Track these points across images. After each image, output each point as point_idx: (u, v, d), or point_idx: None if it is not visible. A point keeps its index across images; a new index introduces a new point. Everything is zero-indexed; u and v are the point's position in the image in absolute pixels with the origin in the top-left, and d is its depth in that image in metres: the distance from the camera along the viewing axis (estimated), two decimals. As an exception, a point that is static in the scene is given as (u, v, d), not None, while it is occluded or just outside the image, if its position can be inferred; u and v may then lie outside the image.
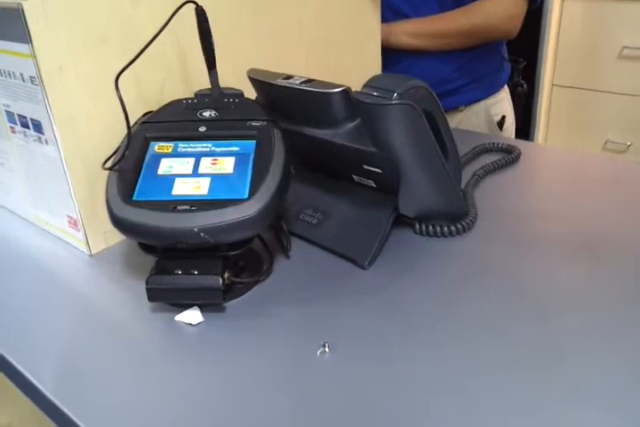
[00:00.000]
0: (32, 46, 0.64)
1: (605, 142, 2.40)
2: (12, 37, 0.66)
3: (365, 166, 0.69)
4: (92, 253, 0.74)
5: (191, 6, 0.67)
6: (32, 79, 0.67)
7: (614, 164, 0.93)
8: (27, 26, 0.63)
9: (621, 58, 2.28)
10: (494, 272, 0.65)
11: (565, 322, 0.57)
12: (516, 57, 1.35)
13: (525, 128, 2.45)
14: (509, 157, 0.91)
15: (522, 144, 0.97)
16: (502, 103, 1.29)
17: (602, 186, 0.84)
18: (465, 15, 1.14)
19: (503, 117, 1.28)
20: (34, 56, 0.64)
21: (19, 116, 0.73)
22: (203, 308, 0.61)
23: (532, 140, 2.48)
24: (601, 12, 2.28)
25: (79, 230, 0.73)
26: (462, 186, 0.80)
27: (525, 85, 1.42)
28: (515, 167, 0.91)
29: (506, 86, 1.32)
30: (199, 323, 0.59)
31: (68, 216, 0.74)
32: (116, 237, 0.73)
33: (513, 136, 1.34)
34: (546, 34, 2.34)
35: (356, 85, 0.65)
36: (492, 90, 1.27)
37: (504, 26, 1.16)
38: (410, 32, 1.15)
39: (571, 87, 2.44)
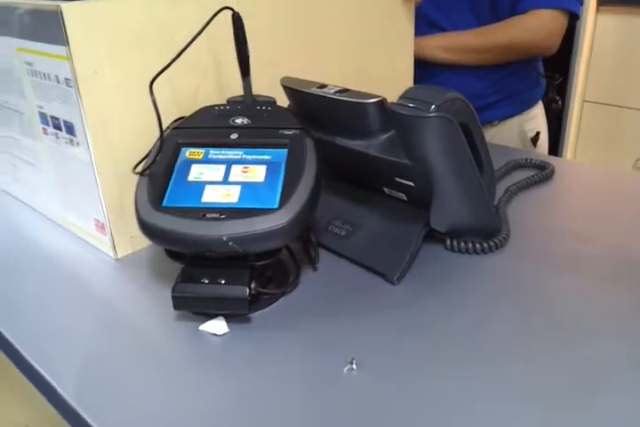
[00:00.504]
0: (69, 48, 0.64)
1: (636, 161, 2.36)
2: (49, 39, 0.66)
3: (398, 179, 0.68)
4: (119, 257, 0.73)
5: (228, 12, 0.67)
6: (67, 81, 0.67)
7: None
8: (65, 28, 0.63)
9: (655, 75, 2.25)
10: (526, 292, 0.64)
11: (598, 350, 0.54)
12: (552, 72, 1.33)
13: (555, 144, 2.42)
14: (543, 173, 0.89)
15: (555, 160, 0.95)
16: (537, 119, 1.28)
17: (637, 204, 0.81)
18: (504, 30, 1.13)
19: (537, 133, 1.26)
20: (70, 58, 0.64)
21: (51, 117, 0.73)
22: (228, 318, 0.60)
23: (560, 156, 2.45)
24: (635, 27, 2.25)
25: (106, 234, 0.72)
26: (495, 202, 0.78)
27: (560, 102, 1.40)
28: (548, 184, 0.89)
29: (540, 102, 1.30)
30: (224, 333, 0.58)
31: (95, 219, 0.73)
32: (143, 242, 0.72)
33: (546, 152, 1.32)
34: (578, 49, 2.31)
35: (388, 97, 0.64)
36: (527, 105, 1.25)
37: (543, 42, 1.14)
38: (445, 46, 1.14)
39: (602, 104, 2.40)
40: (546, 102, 1.32)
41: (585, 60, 2.36)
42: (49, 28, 0.65)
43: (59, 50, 0.65)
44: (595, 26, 2.33)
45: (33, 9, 0.67)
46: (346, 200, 0.75)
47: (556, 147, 2.44)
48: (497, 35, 1.13)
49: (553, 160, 0.95)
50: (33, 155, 0.81)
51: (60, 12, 0.62)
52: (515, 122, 1.24)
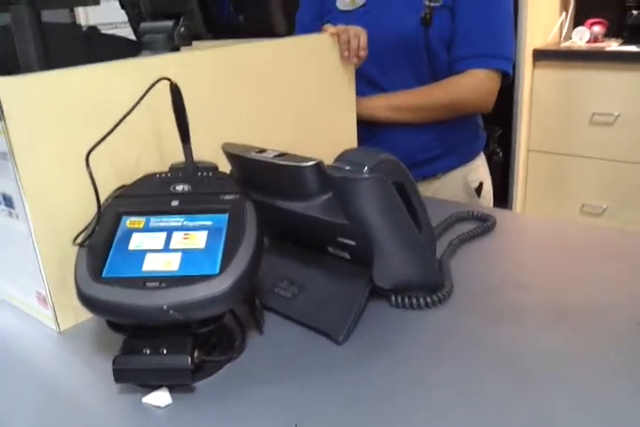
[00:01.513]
0: (5, 124, 0.64)
1: (582, 206, 2.43)
2: (-14, 114, 0.67)
3: (339, 238, 0.69)
4: (61, 329, 0.72)
5: (166, 82, 0.69)
6: (3, 155, 0.67)
7: (589, 231, 0.94)
8: (0, 104, 0.63)
9: (593, 123, 2.35)
10: (470, 343, 0.64)
11: (542, 393, 0.55)
12: (492, 125, 1.38)
13: (503, 194, 2.49)
14: (485, 225, 0.91)
15: (497, 212, 0.98)
16: (479, 170, 1.32)
17: (577, 255, 0.84)
18: (442, 90, 1.18)
19: (480, 184, 1.30)
20: (6, 133, 0.65)
21: (-9, 190, 0.73)
22: (172, 388, 0.59)
23: (510, 205, 2.51)
24: (570, 80, 2.37)
25: (48, 307, 0.71)
26: (438, 255, 0.80)
27: (501, 153, 1.45)
28: (490, 236, 0.91)
29: (482, 153, 1.34)
30: (167, 405, 0.57)
31: (37, 292, 0.72)
32: (86, 313, 0.71)
33: (491, 202, 1.36)
34: (519, 102, 2.41)
35: (332, 157, 0.66)
36: (468, 157, 1.30)
37: (480, 100, 1.20)
38: (388, 106, 1.18)
39: (546, 152, 2.49)
40: (487, 154, 1.37)
41: (526, 112, 2.46)
42: (-15, 102, 0.66)
43: (-4, 124, 0.66)
44: (532, 80, 2.44)
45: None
46: (290, 260, 0.76)
47: (505, 197, 2.50)
48: (436, 94, 1.18)
49: (495, 212, 0.97)
50: (-27, 228, 0.80)
51: (-4, 88, 0.63)
52: (458, 173, 1.28)
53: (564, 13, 2.63)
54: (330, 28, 1.04)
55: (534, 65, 2.42)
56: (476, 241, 0.89)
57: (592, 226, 1.01)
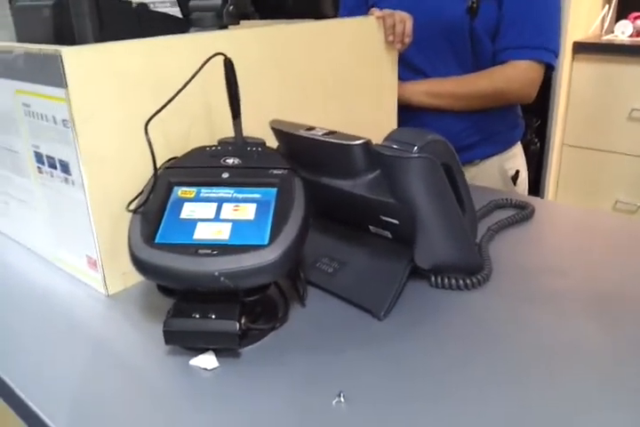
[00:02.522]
0: (67, 91, 0.66)
1: (615, 202, 2.41)
2: (49, 82, 0.69)
3: (383, 217, 0.70)
4: (110, 293, 0.74)
5: (220, 57, 0.70)
6: (64, 122, 0.69)
7: (626, 222, 0.94)
8: (64, 72, 0.66)
9: (631, 119, 2.32)
10: (507, 327, 0.65)
11: (577, 380, 0.56)
12: (530, 116, 1.38)
13: (536, 186, 2.47)
14: (523, 213, 0.92)
15: (535, 201, 0.98)
16: (516, 158, 1.32)
17: (613, 244, 0.84)
18: (486, 79, 1.18)
19: (517, 172, 1.31)
20: (68, 100, 0.67)
21: (47, 157, 0.75)
22: (218, 353, 0.61)
23: (541, 197, 2.50)
24: (610, 75, 2.34)
25: (98, 271, 0.74)
26: (477, 240, 0.80)
27: (538, 144, 1.45)
28: (528, 223, 0.92)
29: (519, 143, 1.35)
30: (214, 368, 0.59)
31: (87, 256, 0.75)
32: (134, 278, 0.74)
33: (526, 190, 1.36)
34: (556, 94, 2.39)
35: (373, 138, 0.67)
36: (506, 146, 1.30)
37: (523, 91, 1.20)
38: (430, 92, 1.19)
39: (581, 147, 2.47)
40: (525, 144, 1.37)
41: (563, 106, 2.44)
42: (48, 71, 0.68)
43: (57, 92, 0.68)
44: (571, 73, 2.42)
45: (33, 53, 0.69)
46: (333, 238, 0.77)
47: (537, 189, 2.49)
48: (479, 83, 1.19)
49: (533, 200, 0.98)
50: (25, 193, 0.83)
51: (60, 56, 0.65)
52: (495, 161, 1.29)
53: (607, 6, 2.60)
54: (376, 12, 1.05)
55: (574, 58, 2.40)
56: (514, 227, 0.89)
57: (628, 218, 1.01)
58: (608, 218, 0.98)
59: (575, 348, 0.61)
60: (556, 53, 1.19)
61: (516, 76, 1.18)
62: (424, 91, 1.19)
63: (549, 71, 1.21)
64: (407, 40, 1.07)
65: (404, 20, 1.06)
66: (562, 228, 0.94)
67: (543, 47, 1.17)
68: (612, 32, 2.50)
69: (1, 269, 0.83)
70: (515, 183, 1.30)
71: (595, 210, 1.02)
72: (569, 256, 0.82)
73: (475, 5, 1.15)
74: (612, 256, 0.81)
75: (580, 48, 2.37)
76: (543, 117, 2.39)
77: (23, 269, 0.83)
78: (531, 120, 1.41)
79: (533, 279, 0.75)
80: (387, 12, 1.05)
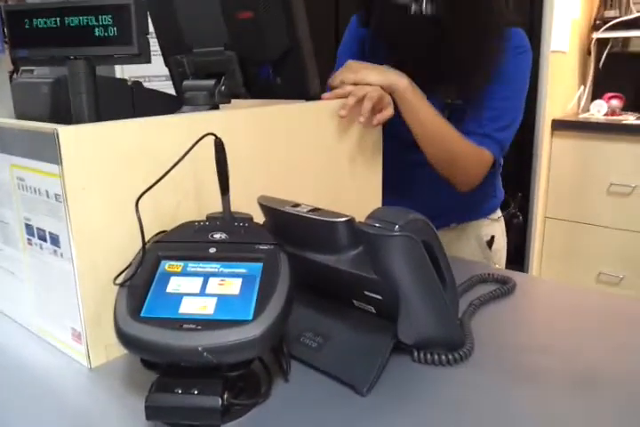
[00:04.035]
0: (61, 167, 0.69)
1: (599, 274, 2.44)
2: (44, 158, 0.71)
3: (366, 292, 0.71)
4: (92, 366, 0.74)
5: (210, 137, 0.73)
6: (57, 197, 0.71)
7: (608, 299, 0.96)
8: (59, 149, 0.68)
9: (609, 193, 2.39)
10: (488, 404, 0.66)
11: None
12: (513, 190, 1.43)
13: (520, 258, 2.51)
14: (505, 287, 0.94)
15: (517, 275, 1.00)
16: (492, 226, 1.36)
17: (595, 321, 0.86)
18: (468, 146, 1.16)
19: (492, 237, 1.34)
20: (62, 176, 0.69)
21: (37, 229, 0.77)
22: (199, 429, 0.61)
23: (526, 270, 2.52)
24: (588, 151, 2.43)
25: (82, 343, 0.74)
26: (459, 315, 0.82)
27: (521, 217, 1.48)
28: (510, 298, 0.93)
29: (498, 211, 1.39)
30: (195, 445, 0.59)
31: (72, 329, 0.75)
32: (118, 351, 0.74)
33: (504, 259, 1.40)
34: (537, 169, 2.46)
35: (358, 214, 0.69)
36: (483, 213, 1.35)
37: (474, 178, 1.20)
38: (432, 116, 1.13)
39: (563, 220, 2.53)
40: (507, 217, 1.41)
41: (544, 180, 2.51)
42: (44, 147, 0.71)
43: (51, 168, 0.70)
44: (550, 148, 2.51)
45: (30, 130, 0.72)
46: (317, 312, 0.78)
47: (522, 261, 2.52)
48: (464, 144, 1.16)
49: (515, 275, 1.00)
50: (14, 263, 0.84)
51: (57, 134, 0.68)
52: (471, 226, 1.33)
53: (582, 86, 2.72)
54: (338, 91, 1.03)
55: (553, 134, 2.49)
56: (495, 303, 0.91)
57: (610, 294, 1.03)
58: (590, 294, 0.99)
59: (558, 426, 0.61)
60: (502, 146, 1.19)
61: (484, 162, 1.18)
62: (431, 111, 1.13)
63: (495, 165, 1.21)
64: (380, 117, 1.03)
65: (373, 97, 1.00)
66: (543, 303, 0.96)
67: (495, 138, 1.17)
68: (589, 110, 2.62)
69: (-17, 340, 0.83)
70: (490, 248, 1.33)
71: (576, 286, 1.04)
72: (551, 333, 0.83)
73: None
74: (594, 334, 0.82)
75: (559, 125, 2.48)
76: (525, 191, 2.45)
77: (6, 339, 0.82)
78: (514, 194, 1.46)
79: (515, 356, 0.76)
80: (348, 89, 1.02)
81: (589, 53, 2.71)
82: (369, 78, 1.05)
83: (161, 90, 1.21)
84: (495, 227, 1.37)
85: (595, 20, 2.66)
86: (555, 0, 2.36)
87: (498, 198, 1.38)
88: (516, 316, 0.89)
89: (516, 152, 2.45)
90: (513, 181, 1.41)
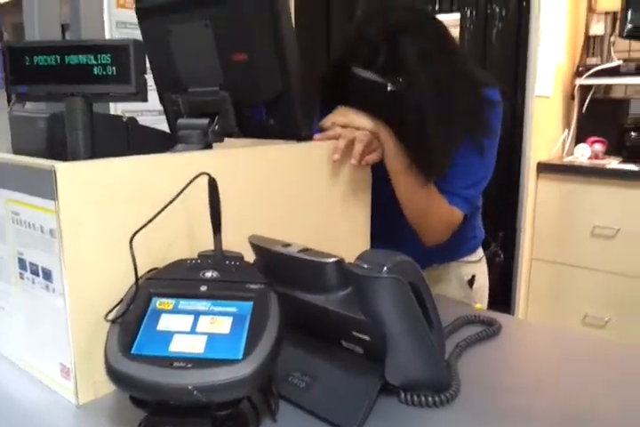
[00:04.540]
0: (57, 203, 0.70)
1: (584, 316, 2.45)
2: (40, 193, 0.73)
3: (354, 333, 0.72)
4: (80, 403, 0.74)
5: (204, 176, 0.75)
6: (51, 232, 0.72)
7: (592, 342, 0.97)
8: (56, 186, 0.70)
9: (594, 235, 2.42)
10: (476, 446, 0.66)
11: None
12: (495, 229, 1.46)
13: (506, 299, 2.52)
14: (490, 329, 0.95)
15: (502, 317, 1.01)
16: (473, 265, 1.39)
17: (580, 364, 0.87)
18: (442, 205, 1.17)
19: (473, 277, 1.37)
20: (57, 212, 0.70)
21: (30, 263, 0.77)
22: (186, 469, 0.61)
23: (512, 311, 2.53)
24: (572, 193, 2.47)
25: (70, 379, 0.74)
26: (446, 356, 0.83)
27: (502, 255, 1.51)
28: (496, 340, 0.94)
29: (479, 251, 1.41)
30: (181, 485, 0.59)
31: (61, 364, 0.75)
32: (106, 387, 0.74)
33: (485, 297, 1.43)
34: (523, 211, 2.50)
35: (347, 253, 0.71)
36: (464, 253, 1.38)
37: (442, 235, 1.20)
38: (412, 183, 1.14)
39: (549, 261, 2.55)
40: (490, 256, 1.45)
41: (530, 221, 2.55)
42: (41, 184, 0.72)
43: (47, 203, 0.71)
44: (536, 191, 2.55)
45: (28, 165, 0.74)
46: (305, 351, 0.79)
47: (507, 301, 2.53)
48: (437, 200, 1.17)
49: (500, 317, 1.01)
50: (4, 298, 0.84)
51: (54, 171, 0.69)
52: (452, 266, 1.36)
53: (566, 130, 2.79)
54: (329, 132, 1.06)
55: (538, 177, 2.54)
56: (481, 344, 0.92)
57: (595, 337, 1.04)
58: (575, 336, 1.01)
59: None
60: (471, 202, 1.20)
61: (453, 220, 1.19)
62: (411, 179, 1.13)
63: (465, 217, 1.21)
64: (369, 158, 1.06)
65: (362, 140, 1.03)
66: (528, 345, 0.97)
67: (458, 194, 1.18)
68: (573, 154, 2.67)
69: (-32, 374, 0.82)
70: (471, 287, 1.36)
71: (562, 328, 1.05)
72: (536, 374, 0.84)
73: None
74: (579, 376, 0.83)
75: (544, 168, 2.52)
76: (511, 232, 2.48)
77: (-9, 375, 0.82)
78: (496, 233, 1.49)
79: (502, 397, 0.77)
80: (338, 131, 1.04)
81: (573, 98, 2.78)
82: (358, 122, 1.08)
83: (153, 125, 1.23)
84: (476, 266, 1.40)
85: (578, 67, 2.74)
86: (539, 46, 2.43)
87: (478, 238, 1.41)
88: (502, 357, 0.90)
89: (502, 194, 2.49)
90: (497, 222, 1.43)
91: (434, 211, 1.18)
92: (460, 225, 1.21)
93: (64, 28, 1.68)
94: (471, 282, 1.37)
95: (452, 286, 1.34)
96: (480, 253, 1.42)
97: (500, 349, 0.92)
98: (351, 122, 1.09)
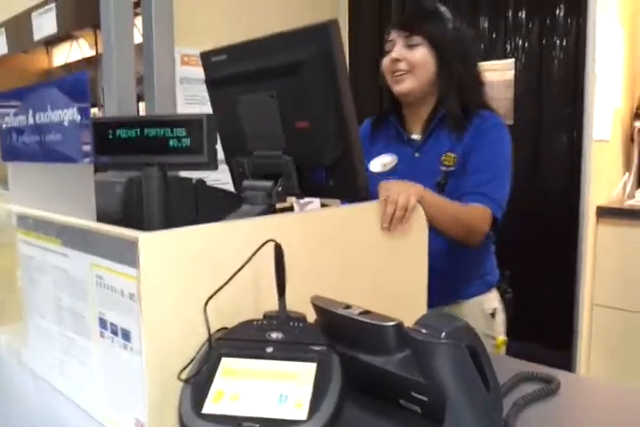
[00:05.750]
0: (139, 271, 0.76)
1: (650, 366, 2.38)
2: (123, 261, 0.79)
3: (413, 393, 0.75)
4: (152, 456, 0.79)
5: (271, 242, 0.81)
6: (131, 296, 0.78)
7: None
8: (138, 255, 0.76)
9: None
10: None
11: None
12: (503, 267, 1.59)
13: (567, 348, 2.47)
14: (549, 387, 0.96)
15: (560, 374, 1.02)
16: (493, 300, 1.55)
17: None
18: (467, 210, 1.34)
19: (494, 309, 1.54)
20: (138, 279, 0.77)
21: (110, 324, 0.84)
22: None
23: (573, 359, 2.48)
24: (635, 238, 2.43)
25: (144, 434, 0.79)
26: (504, 415, 0.84)
27: (511, 293, 1.62)
28: (555, 398, 0.95)
29: (495, 287, 1.57)
30: None
31: (135, 419, 0.80)
32: (177, 443, 0.79)
33: (503, 327, 1.55)
34: (583, 255, 2.47)
35: (406, 311, 0.75)
36: (484, 288, 1.54)
37: (482, 234, 1.38)
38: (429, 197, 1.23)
39: (611, 308, 2.50)
40: (500, 292, 1.58)
41: (590, 267, 2.51)
42: (124, 252, 0.79)
43: (129, 270, 0.78)
44: (596, 235, 2.51)
45: (114, 236, 0.81)
46: (362, 410, 0.82)
47: (569, 352, 2.48)
48: (466, 211, 1.34)
49: (559, 374, 1.01)
50: (85, 354, 0.91)
51: (137, 241, 0.76)
52: (475, 301, 1.52)
53: (627, 173, 2.76)
54: (383, 192, 1.13)
55: (598, 221, 2.51)
56: (540, 402, 0.93)
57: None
58: (636, 395, 1.00)
59: None
60: (499, 203, 1.36)
61: (485, 218, 1.35)
62: (435, 200, 1.24)
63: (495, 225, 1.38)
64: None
65: (405, 207, 1.10)
66: (589, 404, 0.97)
67: (494, 200, 1.35)
68: (634, 197, 2.64)
69: (52, 423, 0.89)
70: (493, 318, 1.52)
71: (624, 387, 1.04)
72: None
73: (442, 182, 1.39)
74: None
75: (604, 212, 2.50)
76: (571, 278, 2.45)
77: (70, 425, 0.88)
78: (504, 271, 1.61)
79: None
80: (392, 195, 1.10)
81: (632, 141, 2.76)
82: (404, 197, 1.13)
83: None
84: (495, 301, 1.56)
85: (636, 109, 2.73)
86: (596, 90, 2.43)
87: (494, 275, 1.57)
88: (560, 417, 0.91)
89: (562, 238, 2.47)
90: (559, 266, 1.49)
91: (467, 217, 1.34)
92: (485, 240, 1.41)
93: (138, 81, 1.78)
94: (493, 314, 1.52)
95: (477, 319, 1.48)
96: (495, 289, 1.57)
97: (559, 407, 0.93)
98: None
